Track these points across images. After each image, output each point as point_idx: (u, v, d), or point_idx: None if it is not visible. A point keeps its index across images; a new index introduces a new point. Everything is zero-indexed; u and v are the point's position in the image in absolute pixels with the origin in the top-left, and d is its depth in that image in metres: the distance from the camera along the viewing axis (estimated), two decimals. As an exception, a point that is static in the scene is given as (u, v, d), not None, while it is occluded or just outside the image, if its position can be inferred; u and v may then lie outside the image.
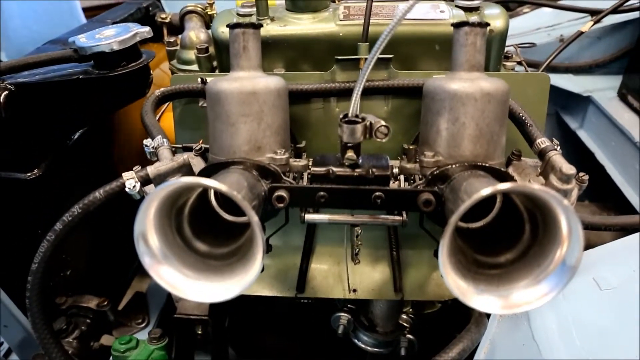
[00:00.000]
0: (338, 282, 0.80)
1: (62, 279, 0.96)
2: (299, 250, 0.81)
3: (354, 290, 0.79)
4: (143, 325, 1.05)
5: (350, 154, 0.53)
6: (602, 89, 1.18)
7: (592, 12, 1.19)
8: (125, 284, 1.15)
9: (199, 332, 0.97)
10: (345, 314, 0.88)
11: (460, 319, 0.92)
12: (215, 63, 0.87)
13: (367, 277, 0.80)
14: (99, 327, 1.00)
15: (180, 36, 0.99)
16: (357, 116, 0.53)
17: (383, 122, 0.52)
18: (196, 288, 0.45)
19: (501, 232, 0.58)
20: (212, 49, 0.86)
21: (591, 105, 1.19)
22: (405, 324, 0.91)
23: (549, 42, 1.25)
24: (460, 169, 0.55)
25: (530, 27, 1.32)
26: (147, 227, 0.44)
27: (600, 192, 1.11)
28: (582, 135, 1.21)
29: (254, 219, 0.45)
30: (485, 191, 0.41)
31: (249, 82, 0.58)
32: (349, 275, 0.79)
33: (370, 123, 0.53)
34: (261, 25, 0.62)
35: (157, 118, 0.74)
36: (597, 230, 0.74)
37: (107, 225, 0.97)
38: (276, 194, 0.54)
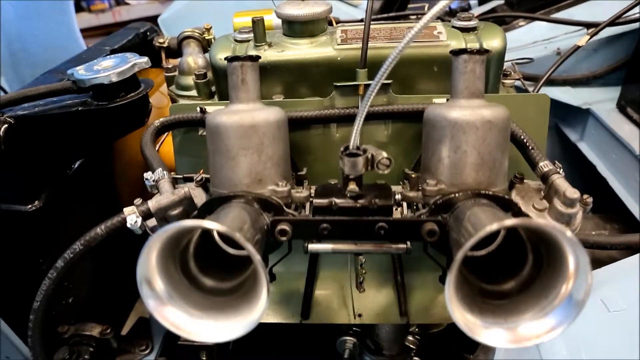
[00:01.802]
0: (343, 307, 0.80)
1: (64, 307, 0.95)
2: (303, 275, 0.80)
3: (359, 315, 0.79)
4: (147, 351, 1.04)
5: (352, 186, 0.53)
6: (601, 100, 1.18)
7: (588, 25, 1.19)
8: (128, 309, 1.14)
9: (204, 358, 0.96)
10: (351, 338, 0.87)
11: (466, 338, 0.91)
12: (213, 88, 0.87)
13: (372, 302, 0.79)
14: (102, 355, 0.99)
15: (178, 61, 0.99)
16: (358, 148, 0.53)
17: (385, 154, 0.52)
18: (201, 328, 0.45)
19: (504, 259, 0.58)
20: (210, 74, 0.87)
21: (591, 118, 1.19)
22: (411, 346, 0.90)
23: (546, 56, 1.25)
24: (464, 197, 0.54)
25: (527, 40, 1.32)
26: (150, 272, 0.43)
27: (603, 204, 1.10)
28: (583, 147, 1.21)
29: (256, 257, 0.44)
30: (491, 227, 0.40)
31: (248, 115, 0.58)
32: (353, 300, 0.78)
33: (372, 155, 0.52)
34: (259, 57, 0.62)
35: (157, 146, 0.74)
36: (602, 249, 0.73)
37: (109, 251, 0.96)
38: (279, 227, 0.54)
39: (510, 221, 0.43)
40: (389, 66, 0.48)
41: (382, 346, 0.89)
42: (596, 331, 0.62)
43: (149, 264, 0.43)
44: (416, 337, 0.92)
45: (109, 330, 0.99)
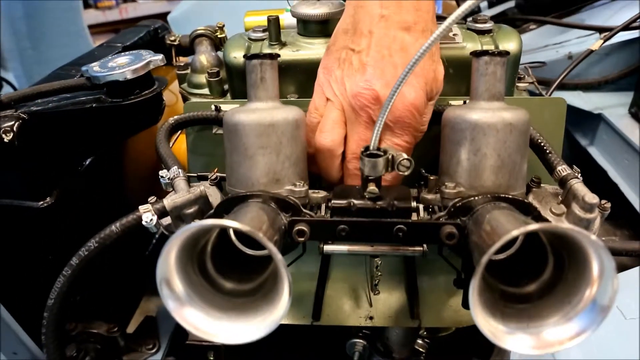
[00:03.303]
0: (354, 309, 0.79)
1: (71, 304, 0.95)
2: (313, 276, 0.80)
3: (371, 318, 0.78)
4: (154, 350, 1.04)
5: (372, 187, 0.53)
6: (613, 106, 1.18)
7: (600, 30, 1.19)
8: (134, 307, 1.14)
9: (211, 358, 0.96)
10: (361, 340, 0.86)
11: (476, 342, 0.90)
12: (226, 87, 0.87)
13: (384, 304, 0.79)
14: (109, 353, 0.99)
15: (190, 59, 0.99)
16: (378, 149, 0.52)
17: (405, 155, 0.52)
18: (221, 329, 0.45)
19: (523, 261, 0.57)
20: (222, 73, 0.86)
21: (602, 123, 1.18)
22: (421, 349, 0.90)
23: (558, 59, 1.24)
24: (483, 200, 0.54)
25: (538, 44, 1.32)
26: (169, 272, 0.43)
27: (614, 209, 1.10)
28: (593, 152, 1.20)
29: (278, 257, 0.44)
30: (518, 231, 0.40)
31: (267, 114, 0.57)
32: (366, 302, 0.78)
33: (392, 156, 0.52)
34: (278, 56, 0.62)
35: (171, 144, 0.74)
36: (617, 255, 0.73)
37: (116, 248, 0.96)
38: (297, 228, 0.53)
39: (535, 226, 0.42)
40: (412, 66, 0.48)
41: (392, 349, 0.88)
42: (612, 338, 0.62)
43: (168, 265, 0.43)
44: (425, 340, 0.92)
45: (116, 329, 0.98)
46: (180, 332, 1.05)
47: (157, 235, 1.09)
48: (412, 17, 0.59)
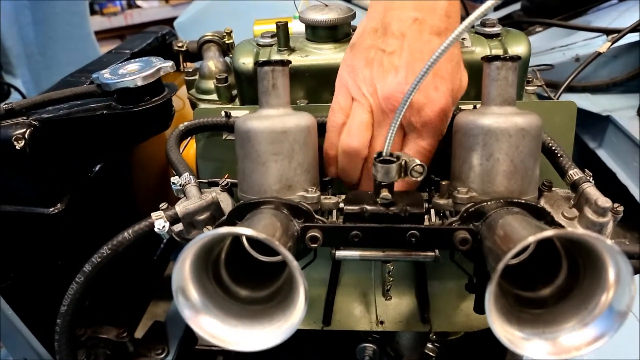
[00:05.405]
0: (365, 314, 0.79)
1: (81, 310, 0.95)
2: (323, 282, 0.80)
3: (382, 322, 0.78)
4: (163, 355, 1.03)
5: (385, 193, 0.53)
6: (621, 108, 1.17)
7: (607, 32, 1.19)
8: (141, 311, 1.14)
9: (221, 363, 0.96)
10: (371, 345, 0.86)
11: (485, 346, 0.90)
12: (234, 92, 0.88)
13: (394, 309, 0.79)
14: (118, 358, 0.99)
15: (199, 65, 0.99)
16: (391, 155, 0.53)
17: (418, 161, 0.52)
18: (238, 337, 0.45)
19: (536, 264, 0.57)
20: (231, 79, 0.87)
21: (610, 125, 1.18)
22: (431, 353, 0.89)
23: (565, 62, 1.24)
24: (496, 205, 0.54)
25: (545, 46, 1.32)
26: (184, 281, 0.43)
27: (623, 212, 1.09)
28: (602, 154, 1.20)
29: (294, 263, 0.44)
30: (535, 237, 0.40)
31: (280, 121, 0.58)
32: (376, 307, 0.78)
33: (405, 162, 0.52)
34: (290, 62, 0.62)
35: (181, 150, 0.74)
36: (631, 259, 0.72)
37: (124, 253, 0.96)
38: (310, 234, 0.53)
39: (550, 232, 0.42)
40: (427, 70, 0.48)
41: (402, 354, 0.88)
42: (627, 342, 0.62)
43: (184, 273, 0.43)
44: (435, 344, 0.91)
45: (125, 334, 0.99)
46: (189, 337, 1.05)
47: (164, 240, 1.10)
48: (443, 24, 0.60)
